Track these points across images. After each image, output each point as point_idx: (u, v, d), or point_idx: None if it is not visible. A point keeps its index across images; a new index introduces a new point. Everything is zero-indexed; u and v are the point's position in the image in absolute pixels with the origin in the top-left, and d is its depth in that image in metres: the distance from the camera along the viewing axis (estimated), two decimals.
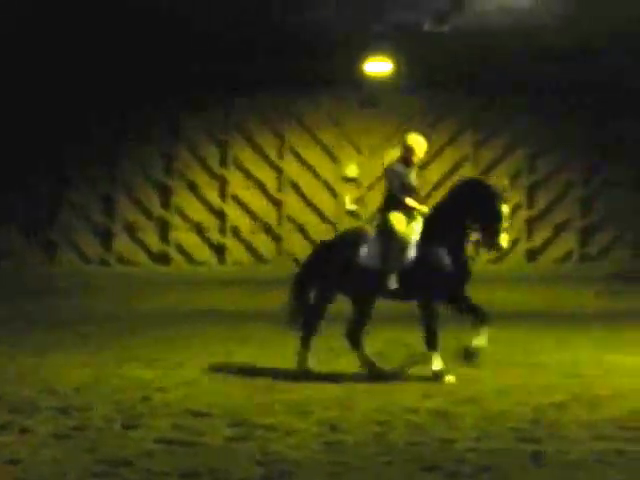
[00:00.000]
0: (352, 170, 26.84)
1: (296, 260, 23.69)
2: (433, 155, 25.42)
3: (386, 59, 21.67)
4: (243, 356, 12.17)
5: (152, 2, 18.33)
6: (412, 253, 10.52)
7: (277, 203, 26.86)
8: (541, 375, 10.77)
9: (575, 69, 23.35)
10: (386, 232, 10.65)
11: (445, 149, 26.68)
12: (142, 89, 25.62)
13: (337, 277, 10.77)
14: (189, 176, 26.74)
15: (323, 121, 26.85)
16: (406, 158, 10.85)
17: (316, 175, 26.89)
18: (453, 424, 8.32)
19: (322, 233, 23.91)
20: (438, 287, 10.47)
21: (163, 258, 26.62)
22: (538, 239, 26.92)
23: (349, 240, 10.90)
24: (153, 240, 26.68)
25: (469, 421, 8.42)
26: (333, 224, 26.32)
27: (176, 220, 26.65)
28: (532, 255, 26.92)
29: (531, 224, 26.91)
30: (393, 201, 10.76)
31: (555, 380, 10.41)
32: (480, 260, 21.50)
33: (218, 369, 11.14)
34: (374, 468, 6.94)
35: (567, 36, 20.36)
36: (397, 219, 10.66)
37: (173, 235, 26.64)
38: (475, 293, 10.72)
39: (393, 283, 10.49)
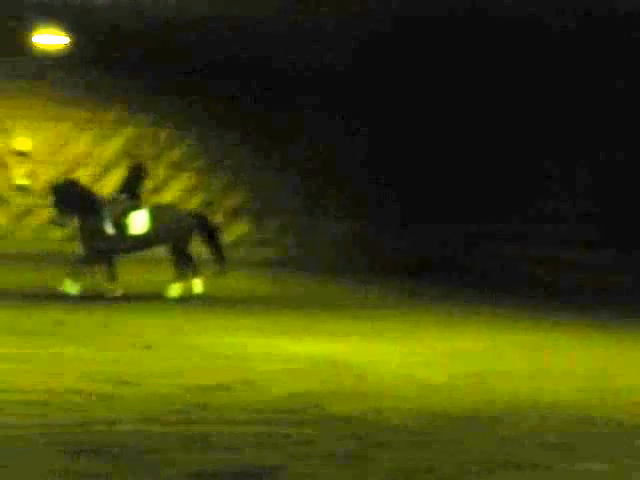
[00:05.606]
0: (23, 143, 25.68)
1: None
2: None
3: (58, 32, 21.01)
4: None
5: None
6: None
7: None
8: (204, 358, 10.53)
9: None
10: None
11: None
12: None
13: None
14: None
15: None
16: None
17: None
18: (114, 406, 7.88)
19: None
20: None
21: None
22: None
23: None
24: None
25: (130, 403, 8.02)
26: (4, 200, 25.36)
27: None
28: None
29: None
30: None
31: (219, 363, 10.19)
32: None
33: None
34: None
35: None
36: None
37: None
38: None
39: None
